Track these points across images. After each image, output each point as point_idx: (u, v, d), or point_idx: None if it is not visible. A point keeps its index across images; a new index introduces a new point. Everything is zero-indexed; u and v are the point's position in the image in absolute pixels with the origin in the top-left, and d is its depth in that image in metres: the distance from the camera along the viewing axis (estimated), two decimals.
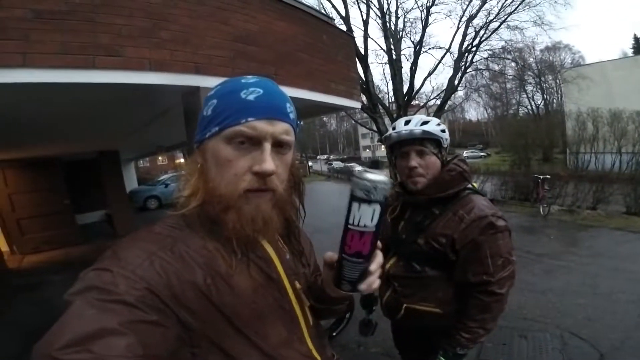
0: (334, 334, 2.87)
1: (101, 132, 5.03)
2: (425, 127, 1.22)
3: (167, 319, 0.49)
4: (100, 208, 9.26)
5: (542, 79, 26.01)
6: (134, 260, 0.51)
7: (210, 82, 2.51)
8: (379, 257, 0.61)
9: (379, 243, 0.58)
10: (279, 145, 0.60)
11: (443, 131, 1.25)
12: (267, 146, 0.58)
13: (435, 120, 1.27)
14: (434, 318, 1.25)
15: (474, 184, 1.37)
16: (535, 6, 11.85)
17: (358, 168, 0.57)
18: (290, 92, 3.12)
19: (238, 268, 0.60)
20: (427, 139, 1.24)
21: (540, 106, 32.27)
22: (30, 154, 6.37)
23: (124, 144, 6.98)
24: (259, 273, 0.64)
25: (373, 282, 0.61)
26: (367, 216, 0.53)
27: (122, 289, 0.47)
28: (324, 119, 54.06)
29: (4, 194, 6.69)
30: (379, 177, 0.53)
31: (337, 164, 31.07)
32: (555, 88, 28.43)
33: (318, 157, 50.09)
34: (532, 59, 22.70)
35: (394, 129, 1.29)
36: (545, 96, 31.35)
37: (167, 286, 0.51)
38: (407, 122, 1.27)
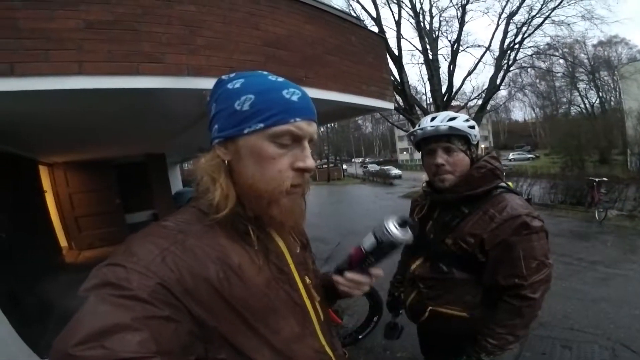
0: (360, 337, 2.83)
1: (148, 135, 5.33)
2: (452, 123, 1.18)
3: (179, 314, 0.50)
4: (147, 208, 9.70)
5: (596, 75, 23.84)
6: (147, 255, 0.51)
7: None
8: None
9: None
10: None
11: (472, 127, 1.20)
12: (307, 145, 0.62)
13: (463, 117, 1.23)
14: (460, 322, 1.20)
15: (510, 183, 1.30)
16: (581, 0, 10.99)
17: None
18: (320, 94, 3.15)
19: (252, 262, 0.60)
20: (455, 136, 1.20)
21: (595, 104, 29.73)
22: (88, 156, 6.88)
23: (169, 147, 7.36)
24: (272, 266, 0.64)
25: None
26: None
27: (135, 284, 0.47)
28: (359, 121, 53.84)
29: (66, 194, 7.24)
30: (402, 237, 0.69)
31: (373, 167, 30.71)
32: (612, 85, 26.05)
33: (353, 160, 49.88)
34: (583, 55, 20.94)
35: (419, 126, 1.26)
36: (600, 94, 28.82)
37: (179, 282, 0.51)
38: (433, 119, 1.24)
